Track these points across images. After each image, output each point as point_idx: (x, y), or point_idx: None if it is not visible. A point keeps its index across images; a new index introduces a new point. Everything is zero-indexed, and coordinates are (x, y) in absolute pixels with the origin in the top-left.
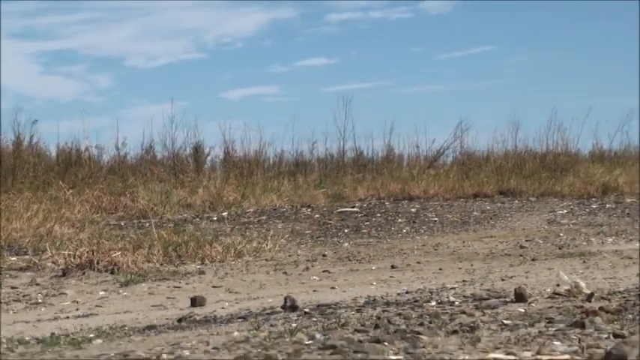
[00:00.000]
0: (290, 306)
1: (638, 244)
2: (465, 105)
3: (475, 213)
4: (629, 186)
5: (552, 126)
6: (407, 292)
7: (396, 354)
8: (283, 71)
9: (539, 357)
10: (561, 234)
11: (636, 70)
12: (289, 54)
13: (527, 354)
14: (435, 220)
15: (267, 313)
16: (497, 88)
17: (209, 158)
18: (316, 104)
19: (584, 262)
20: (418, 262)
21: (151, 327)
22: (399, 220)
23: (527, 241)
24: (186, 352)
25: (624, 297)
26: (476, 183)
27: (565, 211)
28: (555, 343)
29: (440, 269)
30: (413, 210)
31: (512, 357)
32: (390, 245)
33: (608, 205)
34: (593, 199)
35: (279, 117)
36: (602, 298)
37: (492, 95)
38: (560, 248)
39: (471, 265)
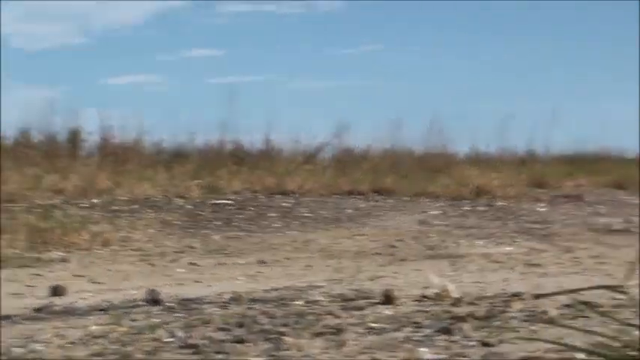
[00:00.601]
0: (152, 300)
1: (506, 248)
2: (349, 102)
3: (348, 210)
4: (503, 189)
5: (432, 127)
6: (274, 289)
7: (258, 356)
8: (170, 60)
9: None
10: (432, 235)
11: (512, 75)
12: (177, 43)
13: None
14: (308, 216)
15: (129, 307)
16: (382, 87)
17: (86, 144)
18: (201, 95)
19: (453, 264)
20: (287, 258)
21: (5, 317)
22: (272, 214)
23: (397, 240)
24: (40, 347)
25: (492, 302)
26: (352, 180)
27: (437, 212)
28: (422, 349)
29: (309, 266)
30: (286, 205)
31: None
32: (261, 240)
33: (479, 208)
34: (466, 201)
35: (163, 106)
36: (471, 303)
37: (376, 94)
38: (430, 249)
39: (341, 263)
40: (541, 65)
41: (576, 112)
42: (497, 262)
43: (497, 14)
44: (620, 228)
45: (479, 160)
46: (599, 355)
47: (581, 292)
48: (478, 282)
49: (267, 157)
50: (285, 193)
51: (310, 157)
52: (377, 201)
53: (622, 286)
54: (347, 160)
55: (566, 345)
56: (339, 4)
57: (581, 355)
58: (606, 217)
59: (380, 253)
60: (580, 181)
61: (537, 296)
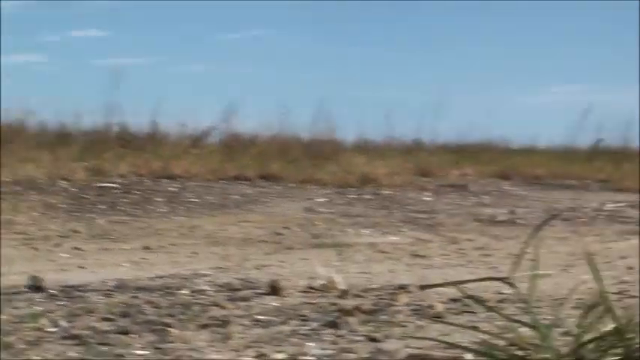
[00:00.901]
0: (34, 286)
1: (392, 238)
2: (237, 87)
3: (235, 196)
4: (388, 178)
5: (319, 113)
6: (159, 277)
7: (143, 348)
8: (55, 40)
9: None
10: (318, 223)
11: (400, 63)
12: (63, 23)
13: (280, 356)
14: (194, 201)
15: (11, 293)
16: (270, 73)
17: None
18: (86, 76)
19: (339, 254)
20: (173, 245)
21: None
22: (158, 199)
23: (284, 228)
24: None
25: (378, 295)
26: (239, 165)
27: (324, 199)
28: (309, 344)
29: (194, 253)
30: (172, 189)
31: (280, 355)
32: (146, 225)
33: (365, 196)
34: (352, 189)
35: (47, 86)
36: (357, 295)
37: (264, 79)
38: (316, 238)
39: (227, 250)
40: (428, 53)
41: (462, 101)
42: (383, 252)
43: (383, 2)
44: (505, 219)
45: (366, 148)
46: (485, 354)
47: (467, 286)
48: (364, 273)
49: (153, 141)
50: (171, 178)
51: (197, 141)
52: (263, 187)
53: (508, 279)
54: (234, 146)
55: (452, 344)
56: None
57: (469, 356)
58: (491, 207)
59: (266, 241)
60: (466, 170)
61: (423, 287)
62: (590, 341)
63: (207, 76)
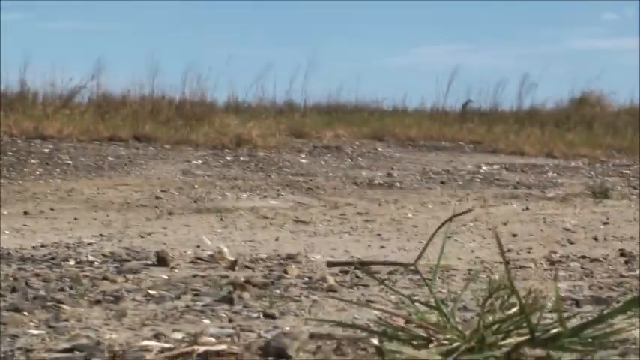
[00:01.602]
0: None
1: (272, 202)
2: (106, 44)
3: (110, 158)
4: (263, 139)
5: (190, 74)
6: (43, 246)
7: (37, 327)
8: None
9: (195, 347)
10: (196, 186)
11: (271, 23)
12: None
13: (178, 335)
14: (69, 164)
15: None
16: (139, 30)
17: None
18: None
19: (221, 219)
20: (52, 209)
21: None
22: (32, 160)
23: (162, 191)
24: None
25: (267, 266)
26: (111, 126)
27: (200, 161)
28: (205, 321)
29: (75, 219)
30: (46, 150)
31: (166, 344)
32: (23, 188)
33: (242, 158)
34: (227, 150)
35: None
36: (246, 266)
37: (133, 37)
38: (195, 202)
39: (107, 216)
40: (299, 12)
41: (332, 61)
42: (266, 217)
43: None
44: (382, 182)
45: (238, 109)
46: (389, 337)
47: (371, 265)
48: (250, 241)
49: (23, 100)
50: (44, 138)
51: (67, 101)
52: (138, 148)
53: (413, 265)
54: (105, 106)
55: (355, 326)
56: None
57: (374, 340)
58: (367, 170)
59: (145, 205)
60: (339, 131)
61: (329, 264)
62: (493, 323)
63: (75, 33)
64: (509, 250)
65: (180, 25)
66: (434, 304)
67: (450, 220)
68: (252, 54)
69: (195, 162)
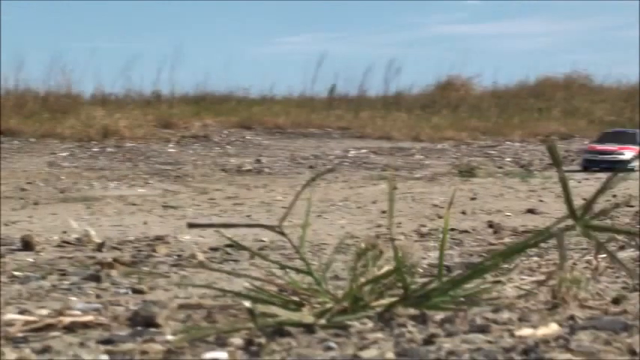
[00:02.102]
0: None
1: (140, 190)
2: None
3: None
4: (130, 130)
5: (55, 67)
6: None
7: None
8: None
9: (61, 319)
10: (63, 177)
11: (137, 14)
12: None
13: (44, 312)
14: None
15: None
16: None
17: None
18: None
19: (88, 207)
20: None
21: None
22: None
23: (28, 183)
24: None
25: (136, 247)
26: None
27: (66, 153)
28: (72, 298)
29: None
30: None
31: (31, 317)
32: None
33: (109, 149)
34: (94, 142)
35: None
36: (114, 248)
37: None
38: (62, 192)
39: None
40: (164, 4)
41: (198, 52)
42: (134, 204)
43: None
44: (251, 168)
45: (105, 101)
46: (262, 301)
47: (228, 234)
48: (117, 225)
49: None
50: None
51: None
52: (2, 143)
53: (279, 227)
54: None
55: (225, 291)
56: None
57: (247, 303)
58: (236, 157)
59: (11, 197)
60: (207, 121)
61: (190, 225)
62: (366, 283)
63: None
64: (379, 226)
65: (43, 20)
66: (305, 270)
67: (313, 179)
68: (118, 47)
69: (61, 154)
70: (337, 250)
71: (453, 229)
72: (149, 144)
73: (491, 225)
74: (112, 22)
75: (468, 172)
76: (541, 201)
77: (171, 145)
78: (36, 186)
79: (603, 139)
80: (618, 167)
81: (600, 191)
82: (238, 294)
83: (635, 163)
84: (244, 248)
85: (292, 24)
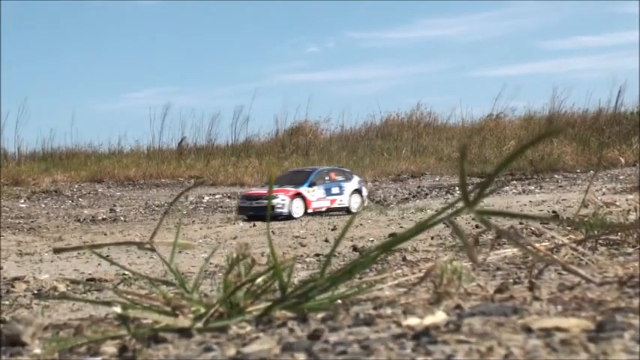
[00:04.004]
0: None
1: None
2: None
3: None
4: None
5: None
6: None
7: None
8: None
9: None
10: None
11: None
12: None
13: None
14: None
15: None
16: None
17: None
18: None
19: None
20: None
21: None
22: None
23: None
24: None
25: None
26: None
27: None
28: None
29: None
30: None
31: None
32: None
33: None
34: None
35: None
36: None
37: None
38: None
39: None
40: (11, 60)
41: (43, 109)
42: None
43: None
44: (106, 217)
45: None
46: (130, 308)
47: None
48: None
49: None
50: None
51: None
52: None
53: (149, 243)
54: None
55: (96, 302)
56: None
57: (118, 309)
58: (89, 208)
59: None
60: (56, 176)
61: (56, 250)
62: (241, 285)
63: None
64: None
65: None
66: (173, 281)
67: (180, 195)
68: None
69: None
70: (203, 273)
71: (317, 255)
72: None
73: (355, 248)
74: None
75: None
76: (402, 227)
77: (22, 201)
78: None
79: (281, 179)
80: (264, 214)
81: (488, 180)
82: (107, 303)
83: (288, 208)
84: (97, 281)
85: (134, 80)
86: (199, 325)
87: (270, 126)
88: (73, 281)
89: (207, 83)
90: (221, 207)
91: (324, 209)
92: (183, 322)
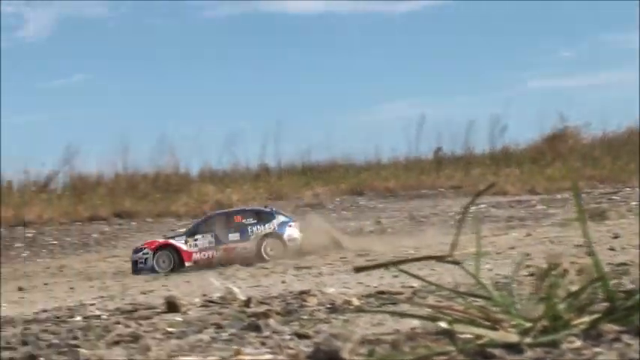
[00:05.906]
0: None
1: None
2: (73, 131)
3: (94, 235)
4: (244, 204)
5: (162, 147)
6: (44, 311)
7: None
8: None
9: (240, 357)
10: None
11: (235, 96)
12: None
13: (212, 358)
14: (55, 244)
15: None
16: (104, 114)
17: None
18: None
19: (220, 273)
20: (46, 284)
21: None
22: (18, 244)
23: None
24: None
25: (283, 301)
26: (90, 206)
27: (184, 229)
28: (236, 347)
29: (71, 288)
30: (29, 235)
31: (212, 357)
32: (13, 269)
33: None
34: None
35: None
36: (262, 302)
37: (99, 121)
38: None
39: (104, 282)
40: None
41: (300, 124)
42: (265, 268)
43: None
44: (372, 229)
45: (213, 177)
46: (455, 322)
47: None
48: (256, 286)
49: None
50: (25, 225)
51: (44, 186)
52: (120, 225)
53: (451, 256)
54: (81, 187)
55: (416, 316)
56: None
57: (443, 324)
58: (354, 221)
59: None
60: (317, 190)
61: (357, 270)
62: (565, 298)
63: (40, 124)
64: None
65: (146, 103)
66: (487, 295)
67: (471, 202)
68: (218, 125)
69: (180, 230)
70: (512, 286)
71: (609, 263)
72: None
73: None
74: (211, 101)
75: (599, 216)
76: None
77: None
78: None
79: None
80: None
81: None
82: (425, 318)
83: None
84: (388, 294)
85: (387, 92)
86: (528, 339)
87: (526, 133)
88: (363, 295)
89: (460, 93)
90: (487, 217)
91: (213, 259)
92: (510, 336)
